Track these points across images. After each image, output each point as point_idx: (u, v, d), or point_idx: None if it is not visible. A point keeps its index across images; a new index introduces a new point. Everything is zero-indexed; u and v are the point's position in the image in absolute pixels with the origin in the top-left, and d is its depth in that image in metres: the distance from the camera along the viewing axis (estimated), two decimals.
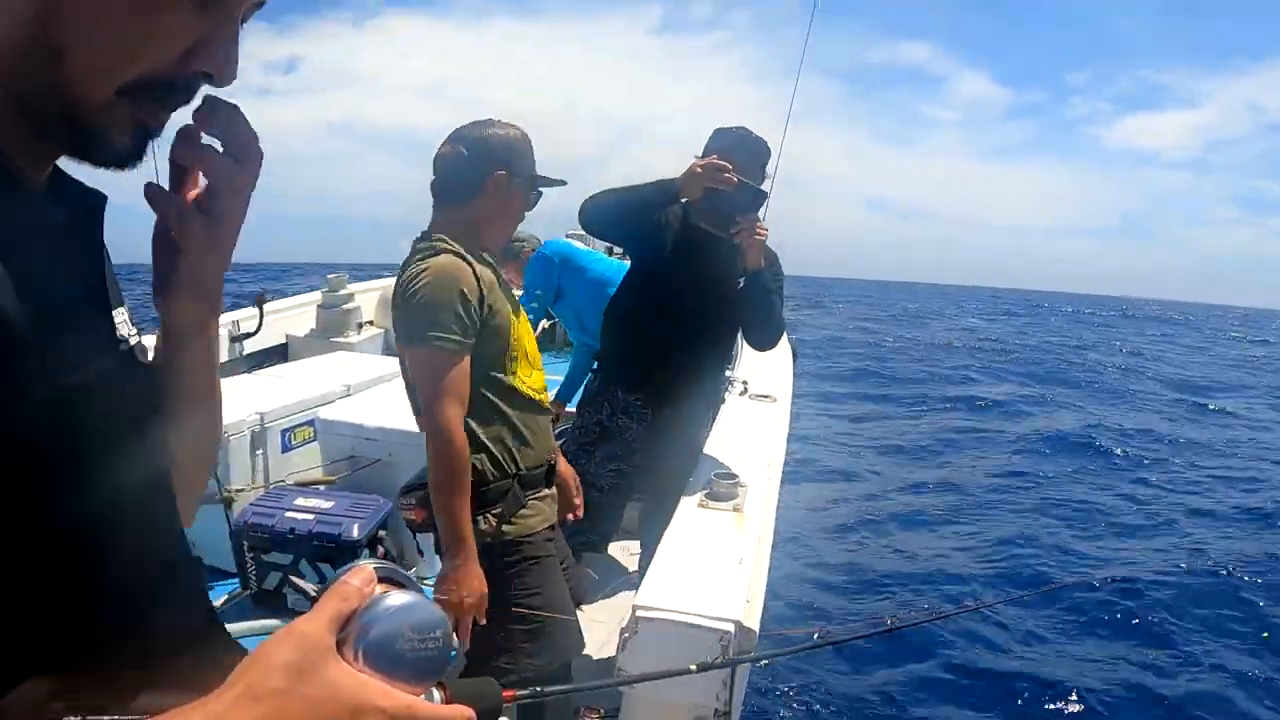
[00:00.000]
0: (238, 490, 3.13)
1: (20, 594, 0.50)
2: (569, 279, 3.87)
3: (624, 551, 3.78)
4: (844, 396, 13.43)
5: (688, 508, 2.17)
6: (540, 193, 2.16)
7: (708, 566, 1.82)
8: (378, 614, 0.61)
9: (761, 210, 2.51)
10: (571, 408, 3.56)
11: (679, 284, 2.62)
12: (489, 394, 2.02)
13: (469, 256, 1.99)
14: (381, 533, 3.13)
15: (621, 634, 1.62)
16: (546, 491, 2.15)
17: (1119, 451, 9.87)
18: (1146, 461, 9.61)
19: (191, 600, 0.70)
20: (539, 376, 2.18)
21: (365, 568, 0.64)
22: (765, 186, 2.56)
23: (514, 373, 2.07)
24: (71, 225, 0.61)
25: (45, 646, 0.52)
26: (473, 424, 1.99)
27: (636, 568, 3.38)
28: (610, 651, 1.70)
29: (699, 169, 2.35)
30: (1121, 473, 9.07)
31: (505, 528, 2.02)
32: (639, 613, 1.61)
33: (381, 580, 0.64)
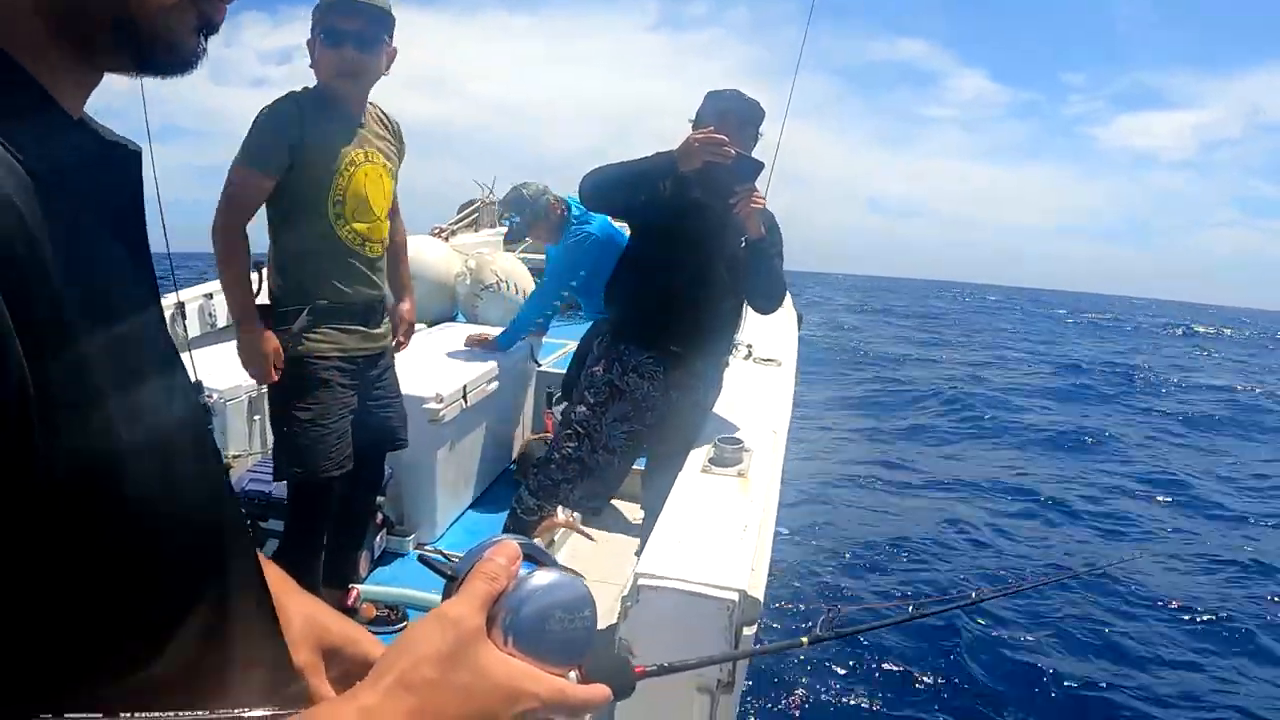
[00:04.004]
0: (234, 456, 3.10)
1: (85, 599, 0.46)
2: (606, 261, 3.76)
3: (624, 514, 3.75)
4: None
5: (691, 473, 2.13)
6: (357, 33, 2.31)
7: (711, 534, 1.77)
8: (526, 594, 0.58)
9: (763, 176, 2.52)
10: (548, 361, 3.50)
11: (682, 246, 2.62)
12: (304, 226, 2.35)
13: (297, 98, 2.33)
14: (380, 499, 3.10)
15: (624, 602, 1.58)
16: (351, 326, 2.46)
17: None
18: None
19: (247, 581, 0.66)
20: (379, 227, 2.49)
21: (510, 544, 0.61)
22: (760, 149, 2.59)
23: (338, 215, 2.37)
24: (111, 172, 0.55)
25: (119, 645, 0.49)
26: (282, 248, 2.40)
27: (638, 531, 3.35)
28: (612, 619, 1.67)
29: (696, 142, 2.38)
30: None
31: (298, 347, 2.37)
32: (641, 581, 1.56)
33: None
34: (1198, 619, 4.99)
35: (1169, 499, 7.51)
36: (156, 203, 2.57)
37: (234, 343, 2.43)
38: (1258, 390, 16.05)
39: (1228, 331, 43.83)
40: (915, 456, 8.52)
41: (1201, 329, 42.58)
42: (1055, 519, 6.70)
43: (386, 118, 2.55)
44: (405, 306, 2.80)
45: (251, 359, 2.35)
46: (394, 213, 2.62)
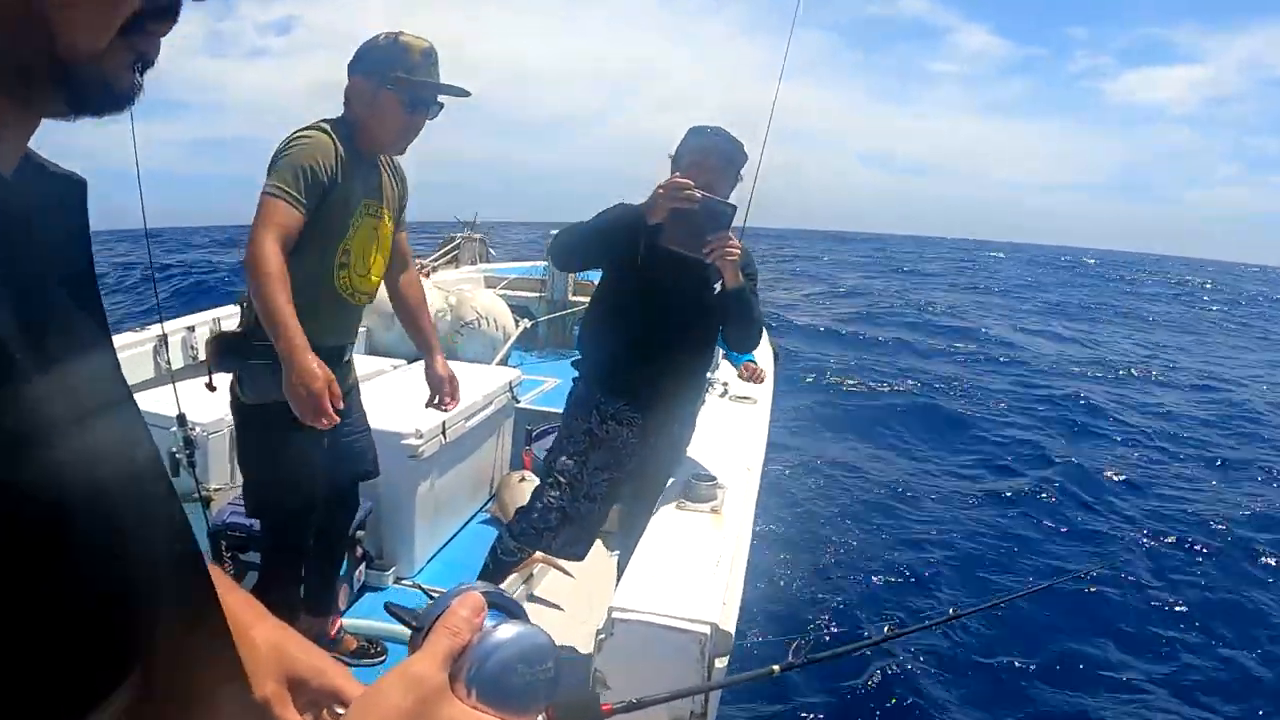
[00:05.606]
0: (216, 490, 3.10)
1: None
2: None
3: (601, 551, 3.77)
4: None
5: (666, 509, 2.18)
6: (432, 102, 2.34)
7: (684, 568, 1.82)
8: (489, 648, 0.59)
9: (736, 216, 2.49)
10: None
11: (657, 294, 2.59)
12: (305, 266, 2.26)
13: (334, 134, 2.27)
14: (360, 533, 3.11)
15: (598, 635, 1.63)
16: None
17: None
18: None
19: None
20: (372, 280, 2.48)
21: (474, 595, 0.62)
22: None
23: (342, 265, 2.35)
24: (52, 217, 0.52)
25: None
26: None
27: (615, 567, 3.38)
28: (588, 652, 1.71)
29: (661, 191, 2.33)
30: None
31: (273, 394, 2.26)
32: (615, 615, 1.61)
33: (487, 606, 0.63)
34: (1192, 620, 4.97)
35: (1149, 504, 7.42)
36: (137, 182, 2.58)
37: (219, 375, 2.46)
38: None
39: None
40: (895, 462, 8.44)
41: None
42: (1030, 530, 6.64)
43: (394, 164, 2.53)
44: (439, 361, 2.71)
45: (309, 394, 2.13)
46: (405, 262, 2.65)
